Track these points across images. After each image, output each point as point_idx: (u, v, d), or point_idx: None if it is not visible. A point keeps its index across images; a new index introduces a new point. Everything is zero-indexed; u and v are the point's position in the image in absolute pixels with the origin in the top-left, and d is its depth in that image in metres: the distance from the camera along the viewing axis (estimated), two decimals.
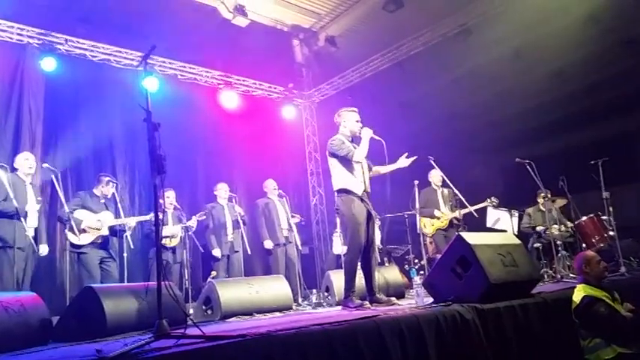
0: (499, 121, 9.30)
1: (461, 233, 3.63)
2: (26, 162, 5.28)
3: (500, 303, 3.49)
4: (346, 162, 4.60)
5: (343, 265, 4.67)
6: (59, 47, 6.94)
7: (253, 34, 7.91)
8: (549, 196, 6.87)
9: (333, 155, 4.66)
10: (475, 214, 6.61)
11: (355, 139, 4.79)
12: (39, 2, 6.52)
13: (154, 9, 6.90)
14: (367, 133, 4.61)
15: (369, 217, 4.61)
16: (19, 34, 6.71)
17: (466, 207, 6.75)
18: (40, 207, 5.26)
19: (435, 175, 7.23)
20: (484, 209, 6.89)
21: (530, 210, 7.67)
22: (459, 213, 6.99)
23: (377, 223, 7.12)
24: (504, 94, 8.71)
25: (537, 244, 7.18)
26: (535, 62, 8.08)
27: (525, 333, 3.52)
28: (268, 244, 7.01)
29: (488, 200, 6.87)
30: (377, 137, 4.60)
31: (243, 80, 8.91)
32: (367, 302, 4.38)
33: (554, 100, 8.67)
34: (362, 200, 4.55)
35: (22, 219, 4.80)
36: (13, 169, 5.36)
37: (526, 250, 4.95)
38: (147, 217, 6.13)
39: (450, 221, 7.10)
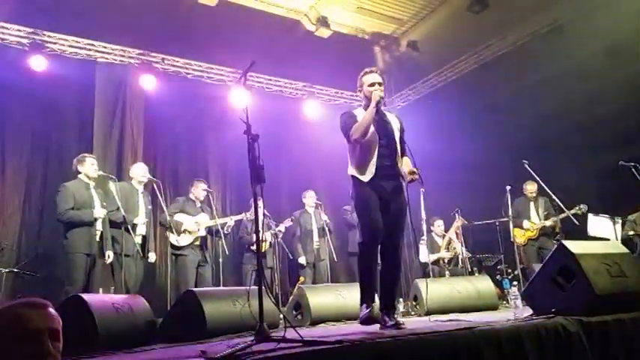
0: (596, 121, 8.69)
1: (563, 241, 3.44)
2: (141, 171, 5.74)
3: (608, 316, 3.26)
4: (353, 142, 3.72)
5: (357, 265, 3.83)
6: (157, 66, 7.44)
7: (335, 43, 8.03)
8: None
9: (343, 135, 3.82)
10: (575, 220, 6.24)
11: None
12: (139, 25, 7.03)
13: (241, 26, 7.22)
14: (374, 98, 3.66)
15: (388, 205, 3.66)
16: (121, 56, 7.28)
17: (562, 213, 6.45)
18: (150, 215, 5.69)
19: (530, 188, 7.06)
20: (584, 216, 6.50)
21: (634, 216, 7.13)
22: (548, 223, 6.72)
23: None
24: (601, 92, 8.15)
25: None
26: (633, 57, 7.50)
27: (637, 349, 3.26)
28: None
29: (577, 208, 6.52)
30: (381, 107, 3.71)
31: (326, 90, 9.05)
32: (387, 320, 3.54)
33: None
34: (372, 186, 3.64)
35: (130, 227, 5.21)
36: (119, 177, 5.86)
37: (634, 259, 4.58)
38: (240, 217, 6.43)
39: (542, 230, 6.82)
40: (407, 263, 8.96)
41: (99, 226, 5.15)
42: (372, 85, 3.79)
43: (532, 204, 7.08)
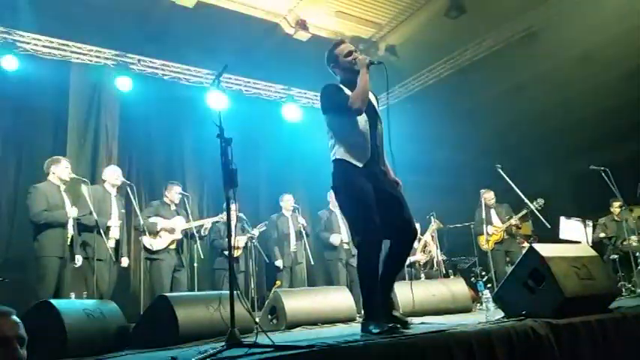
0: (568, 126, 8.91)
1: (534, 245, 3.50)
2: (114, 174, 5.65)
3: (576, 318, 3.32)
4: (343, 119, 3.20)
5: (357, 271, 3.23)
6: (133, 67, 7.35)
7: (314, 47, 8.04)
8: (626, 205, 6.53)
9: (326, 112, 3.30)
10: (547, 223, 6.36)
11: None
12: (114, 25, 6.94)
13: (219, 28, 7.18)
14: (363, 62, 3.20)
15: (386, 193, 3.19)
16: (97, 57, 7.17)
17: (531, 216, 6.58)
18: (123, 219, 5.61)
19: (488, 196, 7.22)
20: (557, 220, 6.63)
21: (604, 220, 7.31)
22: (512, 221, 6.88)
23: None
24: (573, 98, 8.34)
25: (614, 256, 6.82)
26: (605, 64, 7.70)
27: (603, 350, 3.33)
28: (335, 239, 6.93)
29: (535, 202, 6.65)
30: (376, 62, 3.30)
31: (305, 93, 9.06)
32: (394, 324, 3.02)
33: (624, 104, 8.20)
34: (367, 172, 3.14)
35: (102, 231, 5.13)
36: (92, 181, 5.77)
37: (602, 262, 4.70)
38: (217, 218, 6.37)
39: (508, 232, 6.97)
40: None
41: (70, 229, 5.06)
42: (348, 54, 3.32)
43: (493, 210, 7.23)
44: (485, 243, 7.02)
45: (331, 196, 7.27)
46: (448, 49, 8.46)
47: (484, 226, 7.09)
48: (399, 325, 3.03)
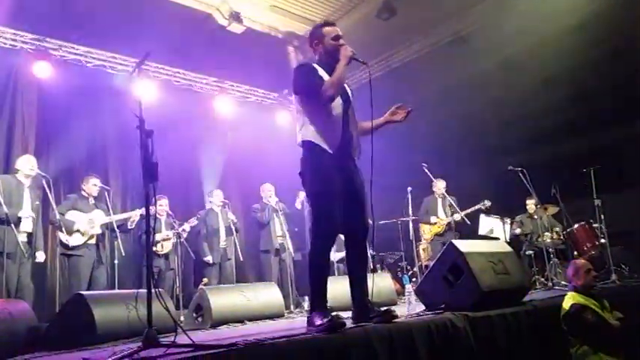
0: (489, 129, 9.33)
1: (453, 241, 3.64)
2: (28, 164, 5.28)
3: (492, 311, 3.49)
4: (316, 102, 3.09)
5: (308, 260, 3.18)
6: (53, 53, 6.92)
7: (248, 40, 7.93)
8: (540, 203, 6.93)
9: (298, 92, 3.20)
10: (467, 220, 6.67)
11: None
12: (33, 8, 6.50)
13: (150, 15, 6.90)
14: (346, 54, 3.08)
15: (353, 188, 3.16)
16: (12, 40, 6.69)
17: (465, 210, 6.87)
18: (38, 211, 5.24)
19: (439, 186, 7.40)
20: (477, 217, 6.95)
21: (520, 217, 7.73)
22: (456, 217, 7.13)
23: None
24: (494, 102, 8.73)
25: (529, 252, 7.22)
26: (525, 71, 8.13)
27: (516, 341, 3.53)
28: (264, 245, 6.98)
29: (482, 203, 6.96)
30: (360, 60, 3.16)
31: (238, 86, 8.91)
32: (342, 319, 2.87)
33: (543, 108, 8.70)
34: (337, 161, 3.08)
35: (13, 224, 4.78)
36: (6, 172, 5.36)
37: (518, 257, 4.96)
38: (142, 211, 6.09)
39: (448, 225, 7.23)
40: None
41: None
42: (336, 38, 3.20)
43: (440, 201, 7.48)
44: (428, 232, 7.27)
45: (263, 189, 7.23)
46: (379, 51, 8.62)
47: (429, 215, 7.33)
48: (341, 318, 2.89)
